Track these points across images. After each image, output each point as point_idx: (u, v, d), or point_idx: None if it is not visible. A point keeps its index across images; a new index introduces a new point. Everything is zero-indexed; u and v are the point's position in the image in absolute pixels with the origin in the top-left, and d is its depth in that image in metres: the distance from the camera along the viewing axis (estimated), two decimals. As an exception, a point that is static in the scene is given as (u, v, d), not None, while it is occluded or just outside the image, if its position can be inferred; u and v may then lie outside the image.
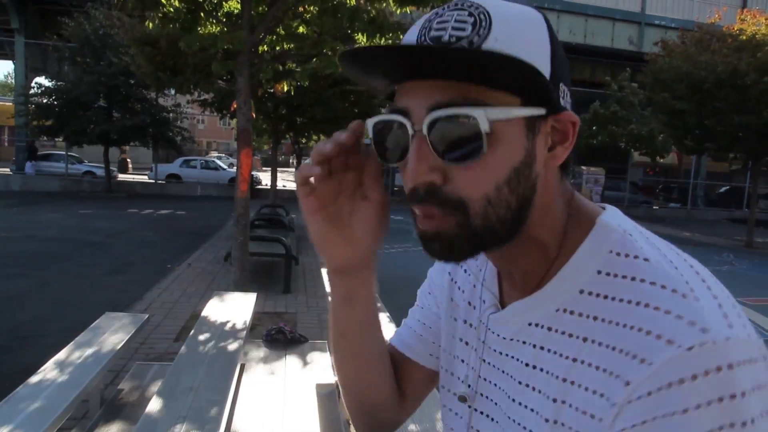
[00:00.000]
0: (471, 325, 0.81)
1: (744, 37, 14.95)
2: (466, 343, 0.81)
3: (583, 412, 0.59)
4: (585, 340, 0.61)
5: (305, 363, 4.33)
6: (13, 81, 30.43)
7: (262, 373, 4.11)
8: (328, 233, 0.72)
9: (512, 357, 0.71)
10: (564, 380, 0.62)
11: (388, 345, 0.93)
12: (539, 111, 0.60)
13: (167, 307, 6.45)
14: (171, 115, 21.08)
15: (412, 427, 2.63)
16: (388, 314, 4.20)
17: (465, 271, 0.86)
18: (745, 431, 0.50)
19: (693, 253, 0.66)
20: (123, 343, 3.44)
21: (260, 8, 6.58)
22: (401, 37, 5.45)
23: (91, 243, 10.54)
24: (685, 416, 0.51)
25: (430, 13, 0.62)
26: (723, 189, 31.40)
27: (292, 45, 7.26)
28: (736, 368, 0.52)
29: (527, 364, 0.68)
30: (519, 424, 0.68)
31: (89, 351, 3.25)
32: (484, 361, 0.76)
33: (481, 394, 0.76)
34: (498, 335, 0.73)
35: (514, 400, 0.69)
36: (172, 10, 6.41)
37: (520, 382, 0.69)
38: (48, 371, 2.91)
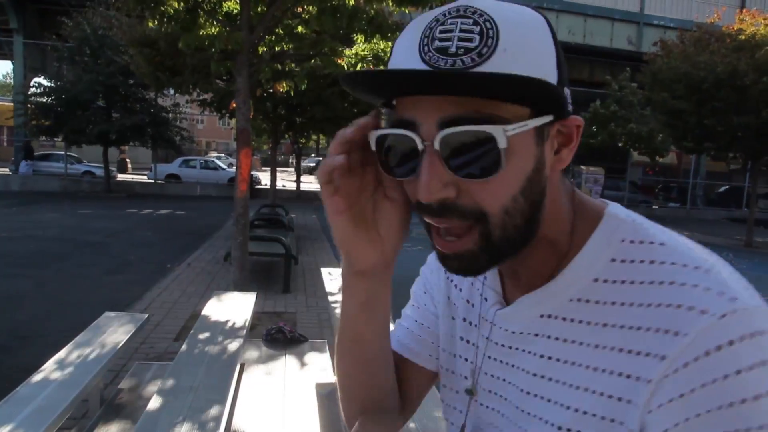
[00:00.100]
0: (471, 323, 0.81)
1: (743, 37, 14.95)
2: (468, 342, 0.81)
3: (609, 396, 0.60)
4: (605, 325, 0.62)
5: (305, 362, 4.34)
6: (11, 81, 30.38)
7: (262, 373, 4.12)
8: (353, 234, 0.69)
9: (523, 350, 0.70)
10: (587, 367, 0.63)
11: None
12: (548, 118, 0.60)
13: (167, 306, 6.44)
14: (170, 115, 21.08)
15: (412, 425, 2.63)
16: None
17: None
18: None
19: None
20: (123, 342, 3.44)
21: (259, 8, 6.58)
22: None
23: (91, 243, 10.53)
24: (727, 382, 0.52)
25: (427, 18, 0.60)
26: (722, 188, 31.40)
27: (291, 45, 7.27)
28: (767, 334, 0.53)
29: (542, 356, 0.68)
30: (535, 416, 0.67)
31: (89, 350, 3.25)
32: (489, 357, 0.76)
33: (489, 391, 0.76)
34: (506, 330, 0.73)
35: (528, 393, 0.69)
36: (171, 10, 6.41)
37: (534, 375, 0.68)
38: (48, 371, 2.91)
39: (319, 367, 4.21)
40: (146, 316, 4.12)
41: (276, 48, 7.32)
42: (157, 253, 9.76)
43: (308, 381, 3.86)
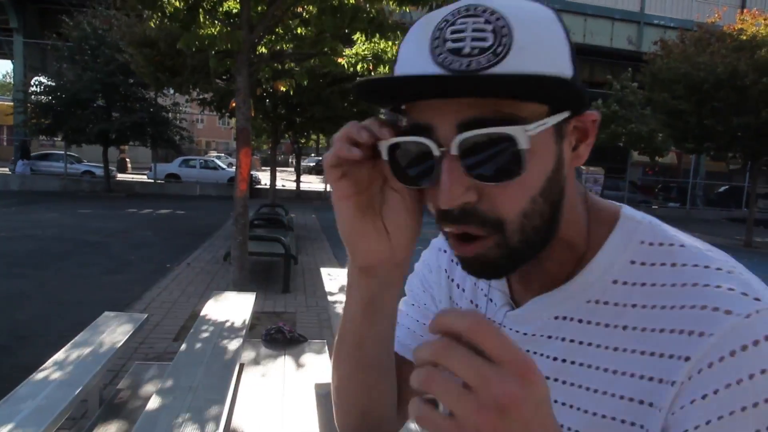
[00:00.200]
0: None
1: (744, 37, 14.96)
2: None
3: (630, 399, 0.59)
4: (625, 327, 0.61)
5: (304, 363, 4.34)
6: (11, 81, 30.38)
7: (262, 373, 4.12)
8: (359, 223, 0.64)
9: (535, 353, 0.69)
10: (605, 370, 0.62)
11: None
12: (566, 114, 0.59)
13: (166, 306, 6.44)
14: (170, 114, 21.09)
15: (412, 426, 2.63)
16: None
17: None
18: None
19: None
20: (122, 342, 3.44)
21: (259, 8, 6.58)
22: (400, 36, 5.42)
23: (91, 242, 10.53)
24: (752, 381, 0.51)
25: (434, 19, 0.58)
26: (722, 188, 31.40)
27: (291, 45, 7.27)
28: None
29: (556, 359, 0.67)
30: None
31: (88, 350, 3.25)
32: None
33: None
34: (517, 332, 0.71)
35: None
36: (171, 8, 6.41)
37: (548, 378, 0.66)
38: (47, 371, 2.91)
39: (319, 367, 4.21)
40: (145, 316, 4.12)
41: (276, 47, 7.32)
42: (156, 253, 9.76)
43: (307, 381, 3.86)
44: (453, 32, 0.55)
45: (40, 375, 2.86)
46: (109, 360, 3.19)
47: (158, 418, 2.39)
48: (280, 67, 8.68)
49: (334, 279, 5.03)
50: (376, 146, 0.61)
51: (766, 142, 14.85)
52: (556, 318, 0.67)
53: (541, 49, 0.55)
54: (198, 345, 3.43)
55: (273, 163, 17.09)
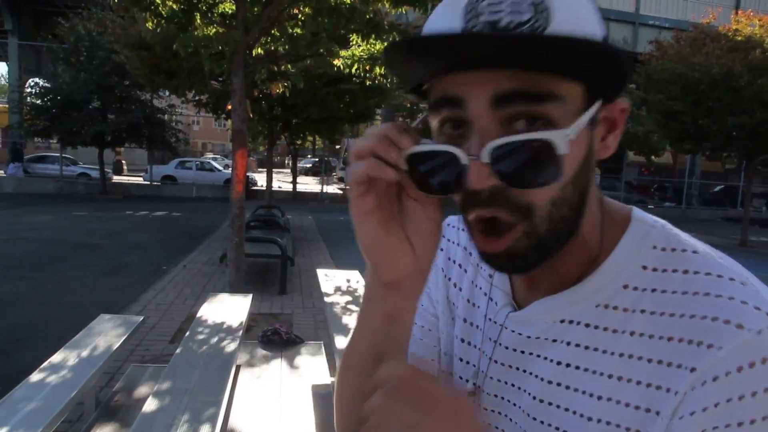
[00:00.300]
0: (473, 324, 0.77)
1: (740, 38, 15.02)
2: (469, 343, 0.77)
3: (636, 407, 0.58)
4: (633, 334, 0.59)
5: (301, 364, 4.33)
6: (6, 83, 30.30)
7: (258, 375, 4.11)
8: (384, 238, 0.60)
9: (538, 356, 0.67)
10: (610, 376, 0.60)
11: None
12: (599, 104, 0.57)
13: (162, 308, 6.43)
14: (166, 116, 21.06)
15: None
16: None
17: (460, 266, 0.82)
18: None
19: None
20: (118, 345, 3.43)
21: (255, 9, 6.57)
22: (396, 37, 5.43)
23: (87, 245, 10.51)
24: (754, 399, 0.51)
25: None
26: (717, 188, 31.51)
27: (287, 46, 7.27)
28: None
29: (560, 363, 0.64)
30: (550, 425, 0.64)
31: (84, 353, 3.24)
32: (496, 362, 0.71)
33: (495, 395, 0.72)
34: (520, 334, 0.69)
35: (542, 401, 0.65)
36: (167, 10, 6.40)
37: (550, 382, 0.65)
38: (43, 373, 2.90)
39: (315, 368, 4.20)
40: (141, 318, 4.12)
41: (272, 49, 7.32)
42: (152, 255, 9.74)
43: (304, 383, 3.86)
44: (489, 4, 0.53)
45: (35, 378, 2.85)
46: (105, 362, 3.18)
47: (154, 421, 2.38)
48: (275, 68, 8.68)
49: (331, 280, 5.03)
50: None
51: (760, 141, 14.92)
52: (562, 321, 0.65)
53: (581, 25, 0.53)
54: (194, 347, 3.42)
55: (269, 165, 17.07)
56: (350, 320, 3.86)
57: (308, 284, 7.83)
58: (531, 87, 0.52)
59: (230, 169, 7.24)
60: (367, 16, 6.73)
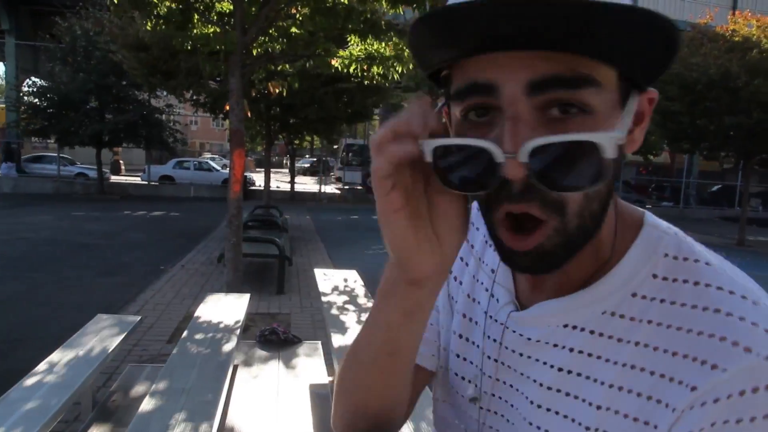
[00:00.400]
0: (472, 320, 0.75)
1: (737, 38, 15.04)
2: (467, 340, 0.76)
3: (634, 419, 0.56)
4: (637, 344, 0.58)
5: (299, 364, 4.33)
6: (3, 83, 30.22)
7: (256, 374, 4.11)
8: (413, 236, 0.56)
9: (538, 360, 0.65)
10: (611, 386, 0.58)
11: None
12: (636, 96, 0.55)
13: (160, 308, 6.42)
14: (163, 116, 21.04)
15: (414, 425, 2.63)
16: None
17: (461, 259, 0.80)
18: None
19: None
20: (115, 345, 3.42)
21: (252, 9, 6.57)
22: (394, 37, 5.40)
23: (84, 245, 10.49)
24: (752, 425, 0.49)
25: None
26: (715, 188, 31.55)
27: (285, 46, 7.26)
28: None
29: (561, 369, 0.63)
30: (548, 431, 0.63)
31: (81, 353, 3.23)
32: (502, 363, 0.69)
33: (493, 395, 0.71)
34: (521, 336, 0.67)
35: (540, 407, 0.64)
36: (164, 9, 6.40)
37: (549, 388, 0.63)
38: (39, 374, 2.89)
39: (313, 368, 4.20)
40: (138, 318, 4.10)
41: (270, 49, 7.31)
42: (150, 255, 9.72)
43: (302, 382, 3.86)
44: None
45: (32, 378, 2.84)
46: (102, 362, 3.17)
47: (151, 420, 2.38)
48: (273, 68, 8.67)
49: (329, 280, 5.02)
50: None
51: (758, 141, 14.93)
52: (566, 326, 0.63)
53: None
54: (191, 347, 3.41)
55: (267, 165, 17.05)
56: (348, 320, 3.86)
57: (306, 284, 7.82)
58: (569, 71, 0.49)
59: (228, 169, 7.23)
60: (364, 16, 6.72)
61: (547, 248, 0.55)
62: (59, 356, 3.16)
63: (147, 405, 2.54)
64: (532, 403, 0.65)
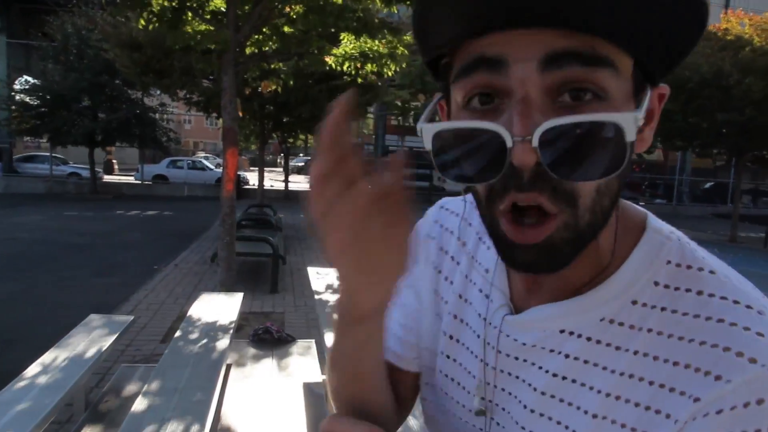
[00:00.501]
0: (462, 321, 0.73)
1: (730, 37, 15.12)
2: (457, 341, 0.73)
3: (632, 429, 0.55)
4: (636, 353, 0.55)
5: (292, 363, 4.32)
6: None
7: (250, 373, 4.10)
8: (360, 272, 0.53)
9: (533, 364, 0.63)
10: (608, 395, 0.56)
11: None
12: (649, 88, 0.52)
13: (154, 308, 6.40)
14: (157, 115, 20.96)
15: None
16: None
17: (452, 258, 0.76)
18: None
19: None
20: (107, 345, 3.41)
21: (246, 7, 6.55)
22: (387, 35, 5.39)
23: (77, 245, 10.44)
24: None
25: None
26: (708, 185, 31.72)
27: (278, 44, 7.24)
28: None
29: (555, 375, 0.60)
30: None
31: (73, 354, 3.22)
32: (502, 372, 0.67)
33: (496, 404, 0.68)
34: (516, 340, 0.64)
35: (533, 412, 0.62)
36: (157, 6, 6.37)
37: (543, 393, 0.61)
38: (31, 375, 2.88)
39: (307, 367, 4.19)
40: (131, 318, 4.09)
41: (264, 49, 7.29)
42: (144, 255, 9.69)
43: (296, 381, 3.85)
44: None
45: (24, 379, 2.83)
46: (94, 363, 3.16)
47: (143, 421, 2.37)
48: (267, 66, 8.65)
49: (322, 278, 5.02)
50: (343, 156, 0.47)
51: (750, 138, 15.03)
52: (562, 332, 0.60)
53: None
54: (184, 346, 3.40)
55: (261, 164, 17.03)
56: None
57: (300, 283, 7.81)
58: (587, 47, 0.45)
59: (222, 168, 7.21)
60: (357, 14, 6.71)
61: (556, 242, 0.51)
62: (51, 357, 3.15)
63: (139, 405, 2.53)
64: (525, 407, 0.63)
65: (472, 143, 0.48)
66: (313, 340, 4.84)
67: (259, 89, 10.80)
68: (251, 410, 3.47)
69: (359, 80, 8.80)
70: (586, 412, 0.58)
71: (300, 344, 4.72)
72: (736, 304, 0.53)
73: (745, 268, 0.58)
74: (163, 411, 2.43)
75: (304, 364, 4.24)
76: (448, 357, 0.75)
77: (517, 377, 0.64)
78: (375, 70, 7.49)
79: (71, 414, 3.62)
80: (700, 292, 0.54)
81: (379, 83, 13.55)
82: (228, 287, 6.32)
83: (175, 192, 22.98)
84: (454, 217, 0.78)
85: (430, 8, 0.48)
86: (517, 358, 0.64)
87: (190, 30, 6.63)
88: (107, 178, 25.59)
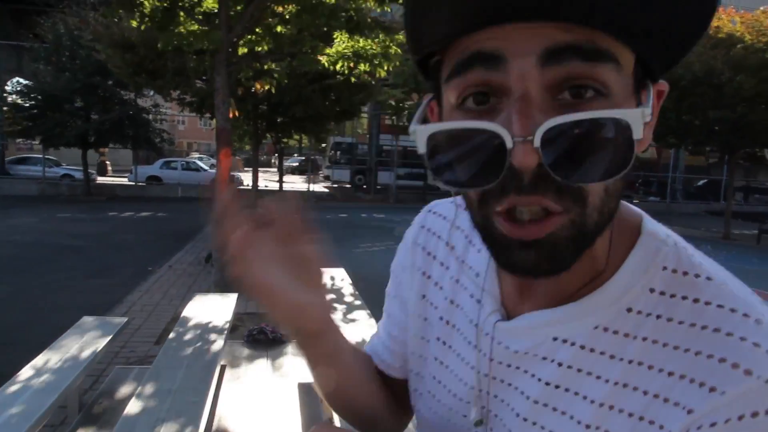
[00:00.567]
0: (454, 326, 0.71)
1: (721, 35, 15.18)
2: (444, 343, 0.72)
3: None
4: (631, 362, 0.54)
5: (287, 363, 4.32)
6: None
7: (244, 374, 4.09)
8: (297, 302, 0.61)
9: (526, 372, 0.61)
10: (601, 405, 0.55)
11: (368, 358, 0.85)
12: (650, 85, 0.50)
13: (148, 309, 6.38)
14: (150, 116, 20.88)
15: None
16: (368, 311, 4.20)
17: (441, 263, 0.74)
18: None
19: None
20: (101, 347, 3.39)
21: (238, 7, 6.54)
22: (381, 35, 5.39)
23: (71, 247, 10.39)
24: None
25: None
26: (701, 182, 31.87)
27: (271, 44, 7.23)
28: None
29: (548, 383, 0.59)
30: None
31: (66, 356, 3.20)
32: (494, 378, 0.65)
33: (489, 410, 0.66)
34: (508, 347, 0.62)
35: (526, 420, 0.61)
36: (147, 5, 6.35)
37: (536, 401, 0.60)
38: (24, 377, 2.86)
39: (301, 367, 4.18)
40: (125, 320, 4.07)
41: (257, 49, 7.28)
42: (137, 256, 9.65)
43: (290, 381, 3.85)
44: None
45: (17, 381, 2.81)
46: (88, 365, 3.15)
47: (137, 422, 2.36)
48: (260, 66, 8.63)
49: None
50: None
51: (742, 135, 15.10)
52: (555, 339, 0.58)
53: None
54: (178, 347, 3.39)
55: (255, 164, 16.98)
56: (335, 318, 3.85)
57: (295, 283, 7.79)
58: (588, 41, 0.44)
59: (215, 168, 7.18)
60: (349, 13, 6.71)
61: (559, 239, 0.48)
62: (44, 359, 3.13)
63: (133, 407, 2.52)
64: (518, 415, 0.62)
65: (469, 144, 0.46)
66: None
67: (253, 89, 10.77)
68: (246, 411, 3.47)
69: (352, 79, 8.80)
70: (579, 422, 0.56)
71: (294, 345, 4.72)
72: (732, 313, 0.51)
73: (739, 265, 0.56)
74: (157, 412, 2.42)
75: (298, 365, 4.24)
76: (435, 359, 0.74)
77: (510, 384, 0.63)
78: (368, 69, 7.49)
79: (65, 416, 3.60)
80: (696, 300, 0.53)
81: (373, 82, 13.52)
82: (222, 288, 6.31)
83: (169, 193, 22.90)
84: (442, 221, 0.77)
85: (424, 1, 0.46)
86: (509, 366, 0.63)
87: (182, 30, 6.62)
88: (101, 179, 25.48)
